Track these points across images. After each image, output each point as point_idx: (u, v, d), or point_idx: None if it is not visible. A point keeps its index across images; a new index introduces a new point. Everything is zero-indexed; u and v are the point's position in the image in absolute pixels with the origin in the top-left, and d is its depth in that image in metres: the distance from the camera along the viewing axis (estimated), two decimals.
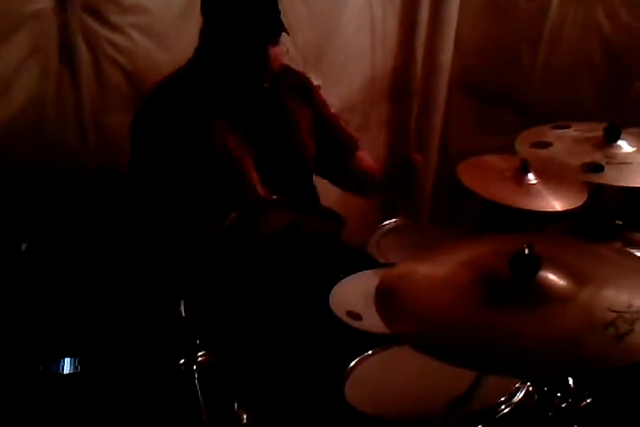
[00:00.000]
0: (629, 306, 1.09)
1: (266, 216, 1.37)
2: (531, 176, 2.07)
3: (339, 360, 1.62)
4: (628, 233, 1.84)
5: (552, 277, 1.18)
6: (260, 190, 1.89)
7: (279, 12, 1.80)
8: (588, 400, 1.45)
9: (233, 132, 1.87)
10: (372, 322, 1.76)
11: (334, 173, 2.15)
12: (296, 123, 2.00)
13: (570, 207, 2.00)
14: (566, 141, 1.70)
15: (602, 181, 1.54)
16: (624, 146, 1.68)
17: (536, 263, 1.18)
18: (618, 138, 1.67)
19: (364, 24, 2.67)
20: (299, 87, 2.04)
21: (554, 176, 2.00)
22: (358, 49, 2.71)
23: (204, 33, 1.86)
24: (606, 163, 1.58)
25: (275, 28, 1.79)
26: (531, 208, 2.04)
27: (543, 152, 1.66)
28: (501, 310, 1.15)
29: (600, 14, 2.62)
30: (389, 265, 2.07)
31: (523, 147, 1.71)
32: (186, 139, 1.81)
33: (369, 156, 2.17)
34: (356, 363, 1.54)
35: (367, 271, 2.06)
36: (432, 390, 1.41)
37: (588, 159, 1.60)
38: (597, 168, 1.57)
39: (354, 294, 1.93)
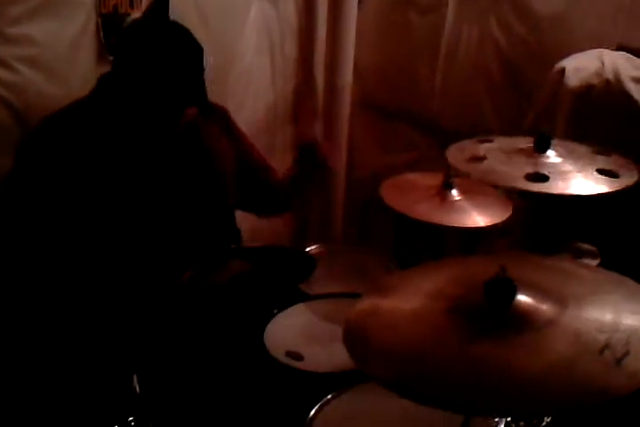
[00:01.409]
0: (617, 324, 1.03)
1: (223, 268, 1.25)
2: (454, 192, 2.04)
3: (291, 409, 1.50)
4: (573, 244, 1.83)
5: (529, 300, 1.12)
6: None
7: (204, 84, 1.68)
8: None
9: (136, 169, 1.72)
10: (315, 361, 1.69)
11: (256, 200, 2.04)
12: (218, 158, 1.88)
13: (494, 222, 1.99)
14: (498, 154, 1.67)
15: (549, 191, 1.51)
16: (553, 156, 1.67)
17: (512, 287, 1.11)
18: (548, 148, 1.65)
19: (263, 47, 2.58)
20: (216, 118, 1.92)
21: (483, 192, 1.98)
22: (259, 73, 2.61)
23: (109, 77, 1.72)
24: (548, 172, 1.56)
25: (198, 102, 1.68)
26: (456, 225, 2.01)
27: (482, 166, 1.62)
28: (483, 342, 1.07)
29: (494, 27, 2.65)
30: (319, 297, 2.01)
31: (460, 162, 1.66)
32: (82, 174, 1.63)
33: (275, 172, 2.08)
34: (317, 410, 1.42)
35: (299, 305, 1.96)
36: None
37: (528, 170, 1.57)
38: (542, 178, 1.54)
39: (290, 331, 1.83)
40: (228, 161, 1.92)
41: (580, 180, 1.55)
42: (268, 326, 1.83)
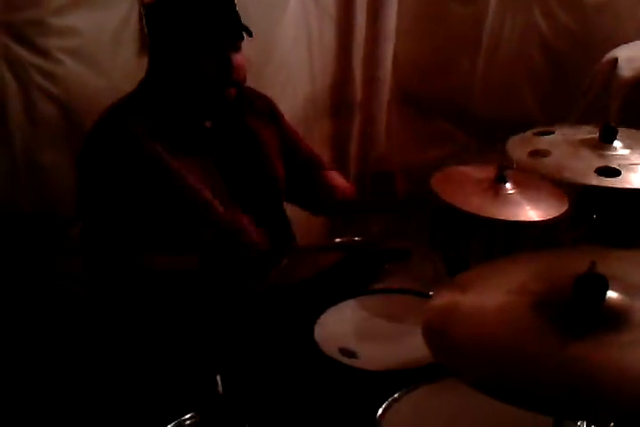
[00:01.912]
0: None
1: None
2: (508, 186, 1.97)
3: (351, 408, 1.45)
4: None
5: (621, 296, 1.06)
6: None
7: (237, 12, 1.63)
8: None
9: (191, 165, 1.68)
10: (369, 359, 1.63)
11: (304, 197, 1.98)
12: (264, 144, 1.83)
13: (550, 217, 1.92)
14: (563, 147, 1.60)
15: (622, 186, 1.44)
16: (619, 147, 1.60)
17: (604, 283, 1.05)
18: (614, 138, 1.59)
19: (301, 38, 2.54)
20: (263, 109, 1.87)
21: (537, 186, 1.92)
22: (297, 66, 2.57)
23: (153, 49, 1.67)
24: (619, 165, 1.49)
25: (235, 29, 1.62)
26: (510, 219, 1.95)
27: (547, 161, 1.55)
28: (575, 340, 1.01)
29: (538, 16, 2.59)
30: (368, 292, 1.96)
31: (522, 158, 1.59)
32: (138, 177, 1.61)
33: (340, 175, 2.03)
34: (384, 410, 1.36)
35: (348, 301, 1.90)
36: None
37: (598, 164, 1.51)
38: (614, 172, 1.47)
39: (341, 328, 1.77)
40: (273, 149, 1.87)
41: None
42: (319, 321, 1.78)
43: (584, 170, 1.50)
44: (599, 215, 1.77)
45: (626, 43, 2.36)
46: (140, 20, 2.00)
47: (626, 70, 2.19)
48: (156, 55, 1.66)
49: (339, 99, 2.79)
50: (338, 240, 1.83)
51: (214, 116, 1.72)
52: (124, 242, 1.61)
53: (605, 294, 1.05)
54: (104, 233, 1.62)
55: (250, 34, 1.64)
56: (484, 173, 2.02)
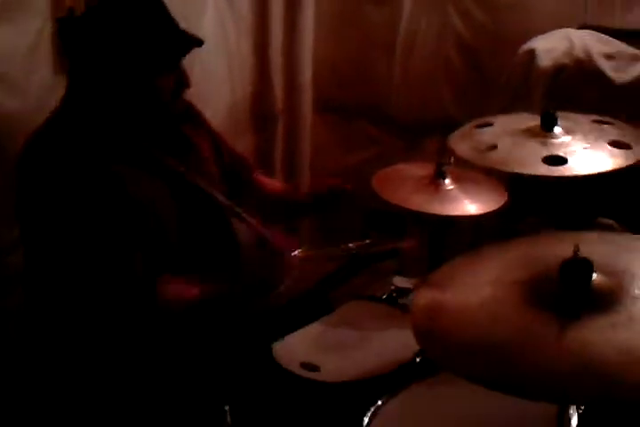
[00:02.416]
0: None
1: None
2: (447, 182, 1.98)
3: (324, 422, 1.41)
4: (599, 221, 1.78)
5: (606, 278, 1.05)
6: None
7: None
8: None
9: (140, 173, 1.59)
10: (331, 371, 1.59)
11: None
12: (200, 150, 1.76)
13: (490, 210, 1.93)
14: (506, 139, 1.61)
15: (571, 173, 1.45)
16: (560, 133, 1.62)
17: (589, 267, 1.04)
18: (555, 126, 1.60)
19: (219, 47, 2.46)
20: (190, 113, 1.80)
21: (475, 179, 1.93)
22: (217, 77, 2.49)
23: (78, 68, 1.57)
24: (564, 153, 1.50)
25: (188, 37, 1.57)
26: (451, 214, 1.96)
27: (495, 154, 1.55)
28: (570, 325, 1.00)
29: (453, 16, 2.63)
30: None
31: (469, 153, 1.58)
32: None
33: (267, 176, 2.01)
34: (370, 418, 1.31)
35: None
36: None
37: (544, 153, 1.51)
38: (561, 160, 1.48)
39: (302, 343, 1.72)
40: (209, 155, 1.80)
41: (596, 156, 1.51)
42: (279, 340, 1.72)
43: (532, 160, 1.51)
44: (549, 203, 1.79)
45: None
46: (54, 36, 1.89)
47: (545, 60, 2.25)
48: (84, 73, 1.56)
49: (260, 109, 2.73)
50: (349, 246, 1.80)
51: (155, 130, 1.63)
52: (134, 268, 1.50)
53: (592, 276, 1.04)
54: (105, 262, 1.49)
55: (200, 43, 1.57)
56: (423, 170, 2.03)
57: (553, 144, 1.57)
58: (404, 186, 1.99)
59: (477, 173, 1.97)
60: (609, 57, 2.21)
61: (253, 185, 1.98)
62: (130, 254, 1.50)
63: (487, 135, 1.65)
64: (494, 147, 1.58)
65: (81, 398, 1.58)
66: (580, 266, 1.04)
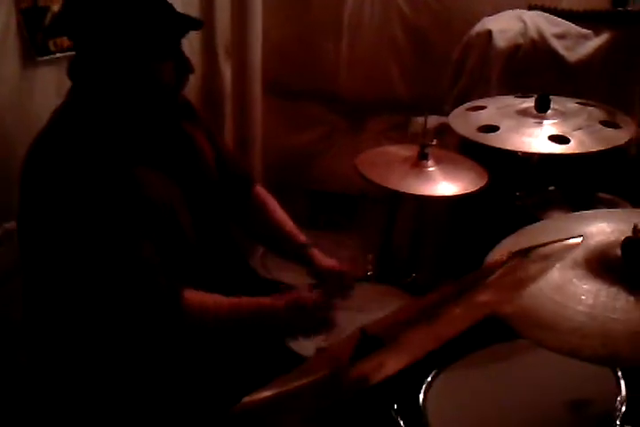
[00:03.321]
0: None
1: None
2: (430, 163, 2.03)
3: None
4: (600, 196, 1.88)
5: None
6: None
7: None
8: None
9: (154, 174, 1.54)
10: None
11: (237, 209, 1.86)
12: (201, 150, 1.71)
13: (471, 190, 1.99)
14: (506, 121, 1.68)
15: (574, 151, 1.54)
16: (552, 114, 1.71)
17: None
18: (549, 108, 1.69)
19: None
20: (189, 111, 1.74)
21: (456, 160, 1.99)
22: None
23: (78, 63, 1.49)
24: (563, 133, 1.59)
25: (187, 19, 1.49)
26: (432, 194, 2.02)
27: (499, 135, 1.61)
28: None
29: None
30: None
31: (473, 134, 1.64)
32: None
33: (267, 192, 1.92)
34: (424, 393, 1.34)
35: None
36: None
37: (547, 133, 1.59)
38: (564, 140, 1.57)
39: None
40: (209, 155, 1.75)
41: (593, 135, 1.60)
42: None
43: (538, 140, 1.58)
44: (556, 181, 1.88)
45: (481, 17, 2.50)
46: (20, 27, 1.77)
47: (501, 41, 2.33)
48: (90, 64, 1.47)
49: (209, 91, 2.67)
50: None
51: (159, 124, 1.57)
52: (157, 276, 1.44)
53: None
54: (127, 268, 1.43)
55: (199, 25, 1.51)
56: (407, 151, 2.08)
57: (550, 125, 1.66)
58: (389, 167, 2.03)
59: (459, 155, 2.04)
60: (560, 36, 2.33)
61: (253, 199, 1.90)
62: (152, 261, 1.45)
63: (485, 117, 1.72)
64: (497, 128, 1.65)
65: (86, 401, 1.54)
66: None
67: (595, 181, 1.83)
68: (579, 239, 0.87)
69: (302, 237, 1.83)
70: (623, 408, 1.25)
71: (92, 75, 1.47)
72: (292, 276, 2.02)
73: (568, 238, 0.86)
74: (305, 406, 0.81)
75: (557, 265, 0.79)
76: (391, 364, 0.69)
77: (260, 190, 1.92)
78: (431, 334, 0.67)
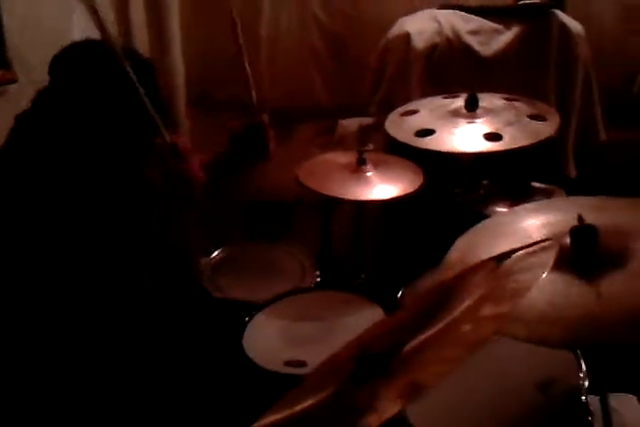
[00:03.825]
0: None
1: None
2: (369, 167, 2.08)
3: None
4: (535, 186, 1.96)
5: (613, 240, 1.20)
6: None
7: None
8: None
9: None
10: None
11: None
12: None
13: (408, 191, 2.04)
14: (440, 123, 1.73)
15: (510, 147, 1.61)
16: (482, 112, 1.77)
17: (593, 232, 1.19)
18: (477, 106, 1.76)
19: None
20: None
21: (394, 163, 2.04)
22: None
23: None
24: (496, 130, 1.66)
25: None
26: (375, 198, 2.06)
27: (436, 139, 1.67)
28: (598, 282, 1.13)
29: (314, 4, 2.71)
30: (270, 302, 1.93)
31: (411, 139, 1.69)
32: None
33: None
34: None
35: (258, 316, 1.86)
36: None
37: (481, 132, 1.66)
38: (497, 137, 1.64)
39: (271, 343, 1.74)
40: None
41: (524, 129, 1.68)
42: (244, 345, 1.73)
43: (474, 140, 1.65)
44: (489, 175, 1.95)
45: (395, 20, 2.57)
46: None
47: (419, 42, 2.41)
48: None
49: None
50: None
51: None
52: None
53: (597, 239, 1.19)
54: None
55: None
56: (345, 158, 2.12)
57: (482, 123, 1.73)
58: (329, 174, 2.07)
59: (395, 157, 2.09)
60: (473, 33, 2.41)
61: None
62: None
63: (420, 121, 1.77)
64: (433, 131, 1.71)
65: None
66: (586, 232, 1.18)
67: (526, 172, 1.91)
68: (550, 242, 0.91)
69: None
70: (586, 383, 1.33)
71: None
72: (243, 292, 2.02)
73: (536, 243, 0.90)
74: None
75: (545, 273, 0.84)
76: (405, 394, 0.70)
77: None
78: (444, 357, 0.69)
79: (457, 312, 0.75)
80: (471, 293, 0.78)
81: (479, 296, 0.75)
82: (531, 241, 0.93)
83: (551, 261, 0.81)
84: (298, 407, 0.91)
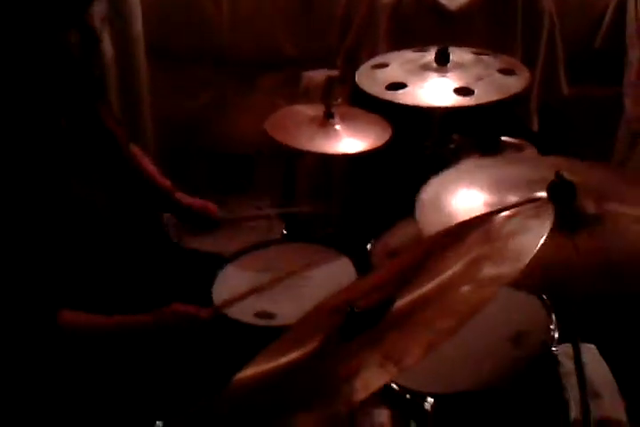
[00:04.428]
0: None
1: None
2: (336, 121, 2.06)
3: None
4: (507, 141, 1.96)
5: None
6: None
7: None
8: None
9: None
10: (288, 315, 1.59)
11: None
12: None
13: (376, 145, 2.01)
14: (412, 77, 1.72)
15: (483, 101, 1.60)
16: (453, 67, 1.77)
17: (572, 188, 1.20)
18: (448, 60, 1.75)
19: None
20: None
21: (361, 117, 2.03)
22: None
23: None
24: (467, 84, 1.65)
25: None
26: (343, 152, 2.06)
27: (407, 92, 1.65)
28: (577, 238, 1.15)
29: None
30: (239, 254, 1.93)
31: (383, 92, 1.67)
32: None
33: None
34: None
35: (227, 267, 1.86)
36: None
37: (453, 85, 1.65)
38: (469, 91, 1.63)
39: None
40: None
41: (495, 84, 1.68)
42: (213, 296, 1.73)
43: (445, 94, 1.64)
44: (458, 129, 1.95)
45: None
46: None
47: None
48: None
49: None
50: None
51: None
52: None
53: (575, 196, 1.21)
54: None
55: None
56: (313, 111, 2.10)
57: (452, 77, 1.72)
58: (298, 127, 2.05)
59: (362, 110, 2.08)
60: None
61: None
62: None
63: (391, 74, 1.76)
64: (404, 85, 1.70)
65: None
66: (564, 187, 1.20)
67: (496, 126, 1.93)
68: (545, 202, 0.92)
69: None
70: (556, 334, 1.37)
71: None
72: (209, 244, 2.01)
73: (529, 201, 0.91)
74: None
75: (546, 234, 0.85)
76: (415, 350, 0.69)
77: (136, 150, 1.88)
78: (446, 311, 0.69)
79: (453, 271, 0.75)
80: (467, 251, 0.78)
81: (477, 255, 0.75)
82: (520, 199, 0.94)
83: (550, 224, 0.81)
84: (283, 360, 0.91)
